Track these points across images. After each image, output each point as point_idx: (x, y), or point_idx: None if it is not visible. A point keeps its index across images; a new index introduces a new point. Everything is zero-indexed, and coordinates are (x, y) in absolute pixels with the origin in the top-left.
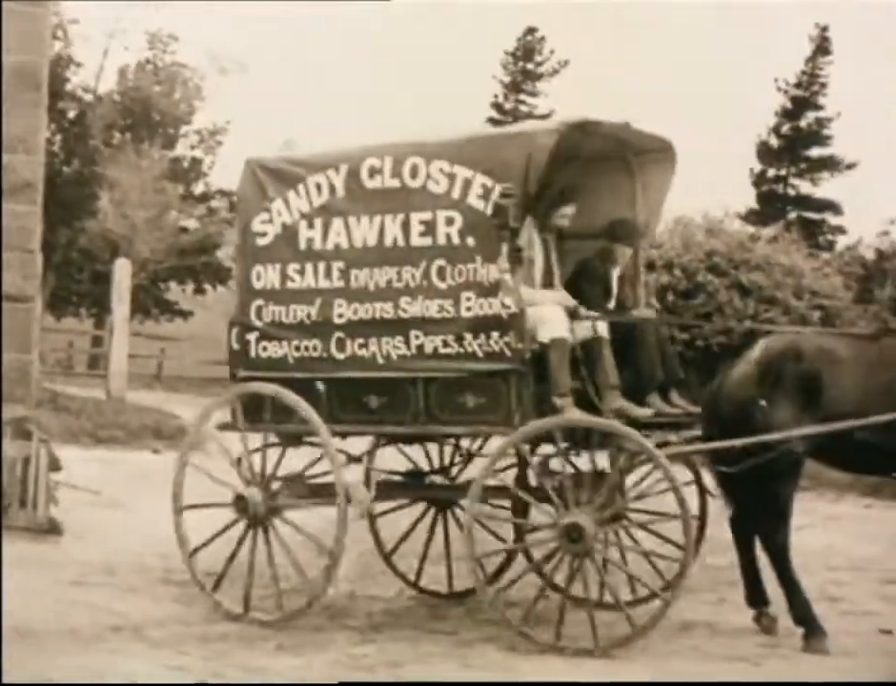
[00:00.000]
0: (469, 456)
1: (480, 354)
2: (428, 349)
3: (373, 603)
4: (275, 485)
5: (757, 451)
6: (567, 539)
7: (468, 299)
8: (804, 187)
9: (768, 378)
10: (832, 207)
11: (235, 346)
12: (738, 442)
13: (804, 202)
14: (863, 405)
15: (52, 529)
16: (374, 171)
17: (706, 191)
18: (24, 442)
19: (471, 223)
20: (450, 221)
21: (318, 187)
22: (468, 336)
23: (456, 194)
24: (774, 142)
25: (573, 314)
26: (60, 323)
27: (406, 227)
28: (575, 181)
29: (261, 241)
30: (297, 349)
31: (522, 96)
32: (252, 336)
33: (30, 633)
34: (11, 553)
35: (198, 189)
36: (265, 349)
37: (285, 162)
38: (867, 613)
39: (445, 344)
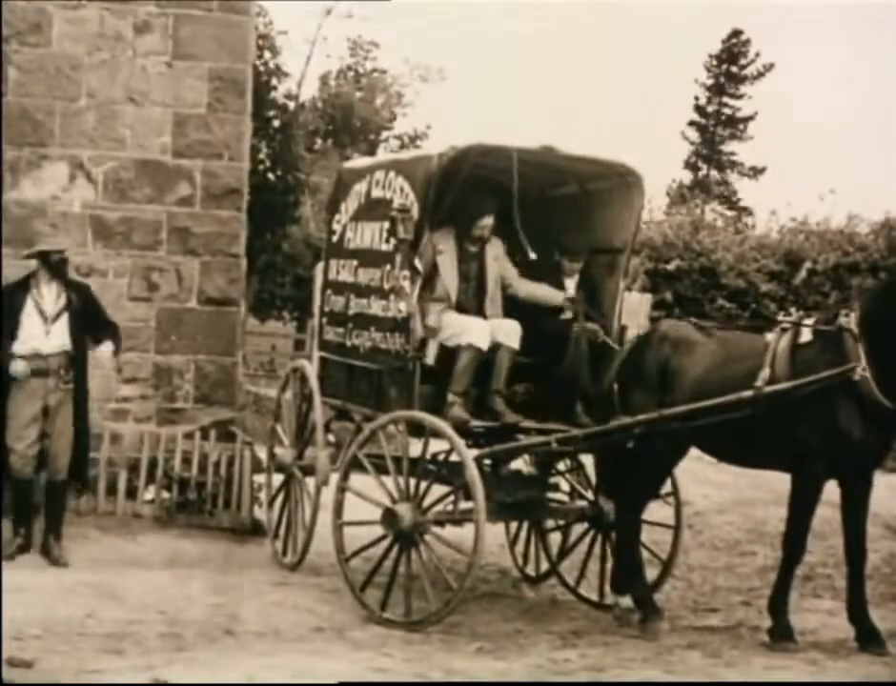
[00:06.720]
0: None
1: (393, 352)
2: (376, 343)
3: (574, 608)
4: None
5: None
6: (388, 524)
7: (393, 301)
8: None
9: (630, 361)
10: None
11: (317, 328)
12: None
13: None
14: (699, 396)
15: (256, 530)
16: (377, 183)
17: None
18: (228, 444)
19: None
20: None
21: (357, 194)
22: (388, 335)
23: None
24: None
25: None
26: (264, 326)
27: (381, 233)
28: (576, 199)
29: (333, 238)
30: (335, 335)
31: (725, 99)
32: (323, 321)
33: (233, 632)
34: (215, 553)
35: None
36: (327, 332)
37: (350, 170)
38: None
39: (381, 340)
